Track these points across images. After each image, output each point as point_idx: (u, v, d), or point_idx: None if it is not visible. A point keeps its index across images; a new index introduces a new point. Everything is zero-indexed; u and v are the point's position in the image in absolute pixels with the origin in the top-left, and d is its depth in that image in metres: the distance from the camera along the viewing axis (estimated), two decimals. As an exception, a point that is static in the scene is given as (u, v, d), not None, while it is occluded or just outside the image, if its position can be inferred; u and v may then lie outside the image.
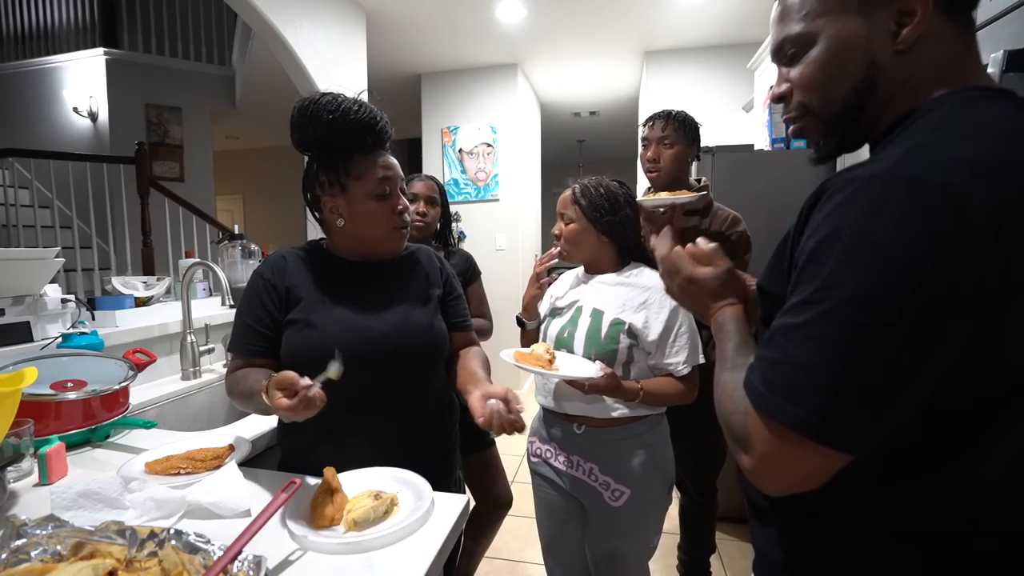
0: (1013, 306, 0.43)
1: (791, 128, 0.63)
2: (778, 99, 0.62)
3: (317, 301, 0.97)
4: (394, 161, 1.01)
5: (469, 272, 1.82)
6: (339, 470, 0.84)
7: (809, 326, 0.47)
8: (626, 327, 1.18)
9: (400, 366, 0.98)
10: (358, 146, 0.96)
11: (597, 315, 1.22)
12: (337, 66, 2.91)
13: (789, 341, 0.48)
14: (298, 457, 0.99)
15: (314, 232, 2.86)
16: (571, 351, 1.22)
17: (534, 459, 1.35)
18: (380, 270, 1.05)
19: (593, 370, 1.11)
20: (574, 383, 1.14)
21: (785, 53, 0.58)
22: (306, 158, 1.03)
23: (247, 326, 0.97)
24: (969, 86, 0.51)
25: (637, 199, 1.43)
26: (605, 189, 1.27)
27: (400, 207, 1.00)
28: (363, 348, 0.93)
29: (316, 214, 1.02)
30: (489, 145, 4.14)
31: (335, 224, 0.99)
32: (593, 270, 1.33)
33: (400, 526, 0.73)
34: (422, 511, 0.76)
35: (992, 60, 1.02)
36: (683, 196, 1.37)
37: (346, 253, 1.03)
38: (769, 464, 0.50)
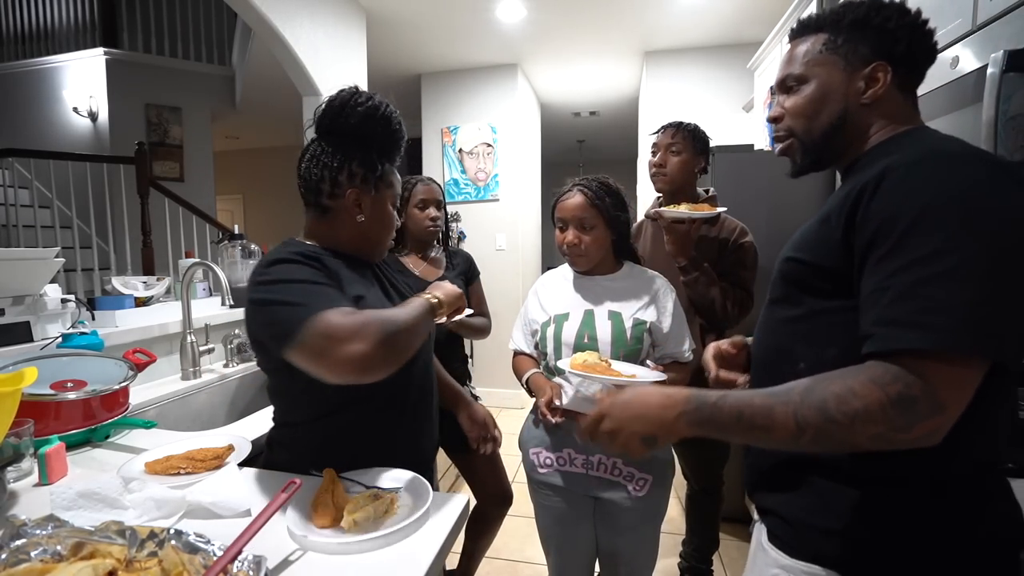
0: None
1: (777, 147, 0.81)
2: (773, 120, 0.81)
3: (367, 295, 0.93)
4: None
5: (469, 272, 1.83)
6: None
7: (952, 274, 0.55)
8: (648, 326, 1.21)
9: (429, 360, 1.08)
10: (389, 153, 0.99)
11: (616, 316, 1.22)
12: (337, 66, 2.91)
13: (942, 288, 0.55)
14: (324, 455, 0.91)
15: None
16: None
17: (542, 470, 1.29)
18: (379, 269, 1.07)
19: (652, 372, 1.12)
20: None
21: (786, 86, 0.78)
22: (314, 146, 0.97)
23: (325, 285, 0.84)
24: (911, 128, 0.72)
25: (658, 209, 1.46)
26: (613, 187, 1.25)
27: (398, 223, 1.06)
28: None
29: (326, 200, 0.94)
30: (489, 145, 4.13)
31: (352, 217, 0.95)
32: (595, 271, 1.31)
33: (400, 526, 0.73)
34: (421, 511, 0.76)
35: (992, 60, 1.02)
36: (703, 212, 1.42)
37: (343, 248, 0.97)
38: (958, 404, 0.55)
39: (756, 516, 0.80)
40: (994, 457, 0.66)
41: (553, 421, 1.18)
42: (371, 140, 0.95)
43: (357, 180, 0.94)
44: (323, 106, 0.95)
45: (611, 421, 0.70)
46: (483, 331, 1.79)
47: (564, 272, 1.37)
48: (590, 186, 1.23)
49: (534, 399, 1.31)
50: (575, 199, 1.23)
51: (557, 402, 1.20)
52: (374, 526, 0.74)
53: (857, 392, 0.56)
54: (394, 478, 0.87)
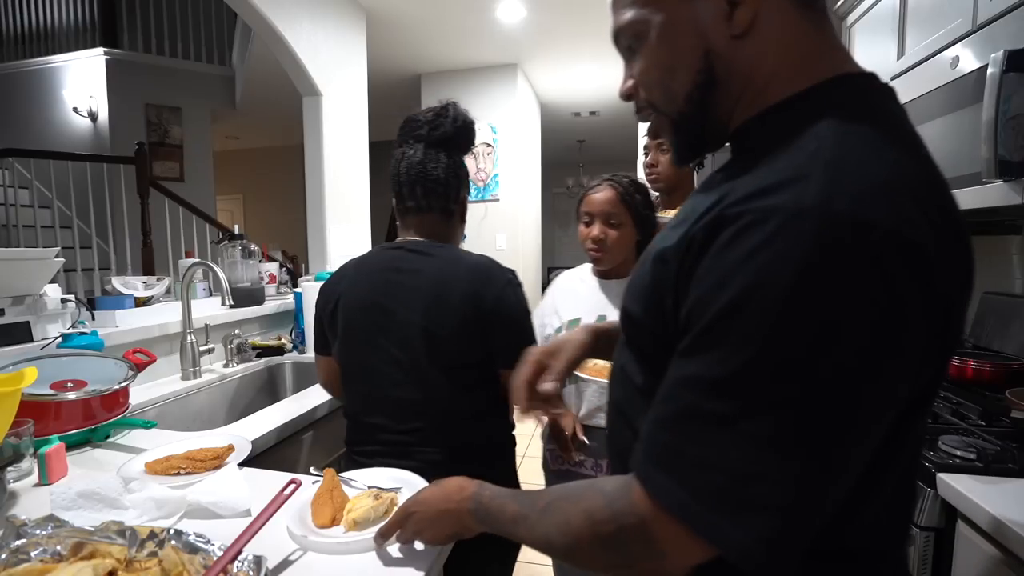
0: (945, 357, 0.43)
1: (648, 127, 0.57)
2: (626, 97, 0.55)
3: None
4: None
5: None
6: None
7: (747, 421, 0.37)
8: None
9: None
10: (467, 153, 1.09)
11: None
12: (337, 66, 2.91)
13: (717, 438, 0.38)
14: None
15: (314, 233, 2.87)
16: None
17: (567, 466, 1.27)
18: None
19: None
20: None
21: (622, 45, 0.52)
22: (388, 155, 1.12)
23: None
24: (834, 76, 0.45)
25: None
26: (643, 186, 1.22)
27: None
28: None
29: (452, 204, 1.05)
30: (489, 145, 4.13)
31: (462, 221, 1.09)
32: (613, 274, 1.27)
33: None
34: None
35: (992, 60, 1.02)
36: None
37: None
38: (683, 559, 0.42)
39: None
40: (882, 544, 0.47)
41: (576, 460, 1.19)
42: (466, 149, 1.07)
43: (466, 188, 1.07)
44: (441, 118, 1.02)
45: (414, 523, 0.66)
46: None
47: (582, 274, 1.34)
48: (621, 182, 1.20)
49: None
50: (605, 193, 1.20)
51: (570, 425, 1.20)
52: (374, 526, 0.73)
53: (571, 524, 0.47)
54: (394, 478, 0.86)
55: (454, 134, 1.02)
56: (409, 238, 1.03)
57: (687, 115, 0.50)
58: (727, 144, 0.53)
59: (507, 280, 0.98)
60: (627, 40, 0.51)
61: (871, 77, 0.46)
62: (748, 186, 0.40)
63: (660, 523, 0.42)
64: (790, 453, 0.37)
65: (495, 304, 0.94)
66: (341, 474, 0.84)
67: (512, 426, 1.07)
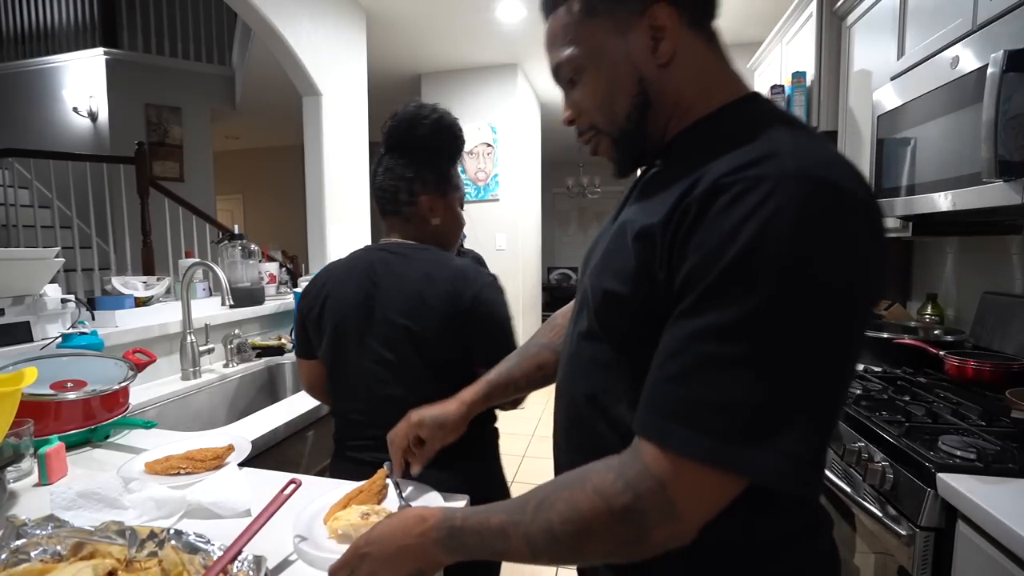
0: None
1: (588, 148, 0.64)
2: (569, 123, 0.64)
3: None
4: None
5: None
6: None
7: (766, 356, 0.42)
8: None
9: None
10: (454, 158, 1.10)
11: None
12: (337, 66, 2.91)
13: (740, 376, 0.42)
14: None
15: (314, 233, 2.87)
16: None
17: None
18: None
19: None
20: None
21: (563, 77, 0.61)
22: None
23: None
24: (744, 94, 0.56)
25: None
26: None
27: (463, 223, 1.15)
28: None
29: (405, 208, 1.05)
30: (489, 145, 4.14)
31: (428, 221, 1.06)
32: None
33: None
34: None
35: (992, 60, 1.02)
36: None
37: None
38: (699, 518, 0.45)
39: None
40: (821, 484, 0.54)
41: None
42: (441, 150, 1.06)
43: (429, 187, 1.04)
44: (391, 123, 1.04)
45: (367, 566, 0.58)
46: None
47: None
48: None
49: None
50: None
51: None
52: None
53: (581, 508, 0.47)
54: (425, 503, 0.81)
55: (399, 136, 1.04)
56: (392, 240, 1.06)
57: (627, 132, 0.59)
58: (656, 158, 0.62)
59: (487, 282, 1.00)
60: (568, 73, 0.59)
61: (761, 95, 0.58)
62: (727, 165, 0.46)
63: (680, 479, 0.44)
64: (806, 379, 0.42)
65: (472, 302, 0.96)
66: (400, 478, 0.83)
67: (494, 421, 1.07)
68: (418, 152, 1.04)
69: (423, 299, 0.96)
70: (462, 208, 1.13)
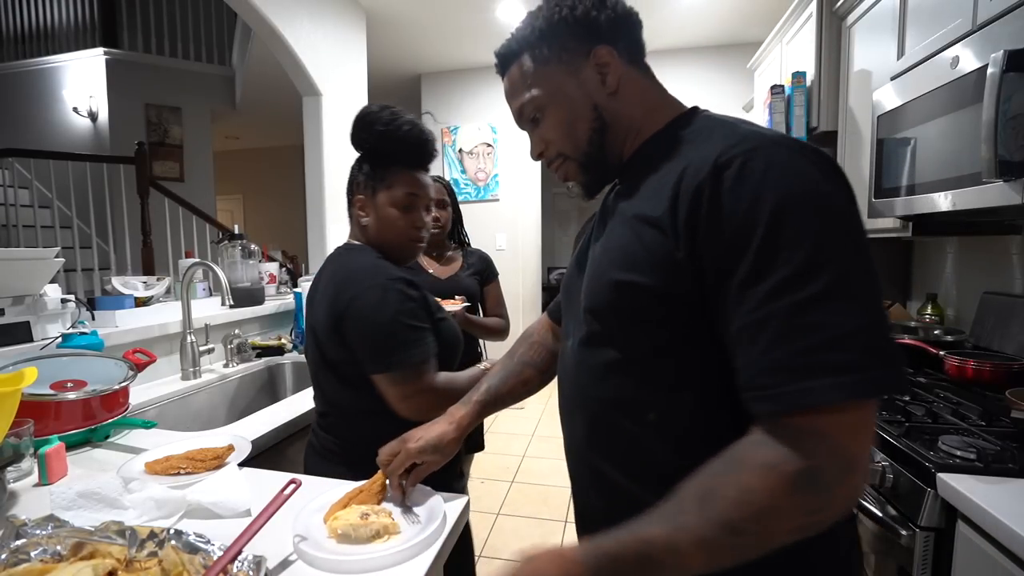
0: None
1: (557, 175, 0.72)
2: (538, 157, 0.72)
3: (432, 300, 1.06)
4: (429, 182, 1.08)
5: (487, 272, 1.84)
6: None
7: (836, 292, 0.45)
8: None
9: None
10: (401, 160, 1.04)
11: None
12: (337, 66, 2.91)
13: (830, 311, 0.45)
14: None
15: (314, 233, 2.87)
16: None
17: None
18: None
19: None
20: None
21: (527, 118, 0.70)
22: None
23: (424, 330, 0.98)
24: (684, 110, 0.66)
25: None
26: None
27: (419, 224, 1.06)
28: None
29: (349, 208, 1.08)
30: (489, 145, 4.14)
31: (360, 220, 1.06)
32: None
33: (392, 551, 0.68)
34: (415, 542, 0.70)
35: (992, 60, 1.02)
36: None
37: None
38: (866, 452, 0.47)
39: None
40: None
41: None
42: (388, 154, 1.03)
43: (361, 187, 1.05)
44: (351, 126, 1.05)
45: None
46: (500, 332, 1.78)
47: None
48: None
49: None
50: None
51: None
52: (354, 544, 0.70)
53: (756, 488, 0.45)
54: (429, 507, 0.80)
55: (352, 136, 1.05)
56: (346, 241, 1.11)
57: (590, 155, 0.67)
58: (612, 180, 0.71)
59: (371, 284, 0.95)
60: (531, 113, 0.69)
61: (700, 108, 0.67)
62: (713, 149, 0.53)
63: (840, 428, 0.45)
64: (870, 285, 0.47)
65: (347, 305, 0.94)
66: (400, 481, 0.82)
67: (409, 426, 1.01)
68: (363, 154, 1.06)
69: (321, 301, 1.00)
70: (405, 209, 1.03)
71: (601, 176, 0.70)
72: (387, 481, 0.83)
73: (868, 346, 0.45)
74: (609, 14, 0.65)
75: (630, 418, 0.59)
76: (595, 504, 0.67)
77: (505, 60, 0.70)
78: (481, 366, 1.07)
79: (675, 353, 0.56)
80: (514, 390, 0.89)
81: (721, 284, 0.50)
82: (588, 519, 0.70)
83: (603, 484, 0.64)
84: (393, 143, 1.02)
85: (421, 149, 1.04)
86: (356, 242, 1.07)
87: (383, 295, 0.95)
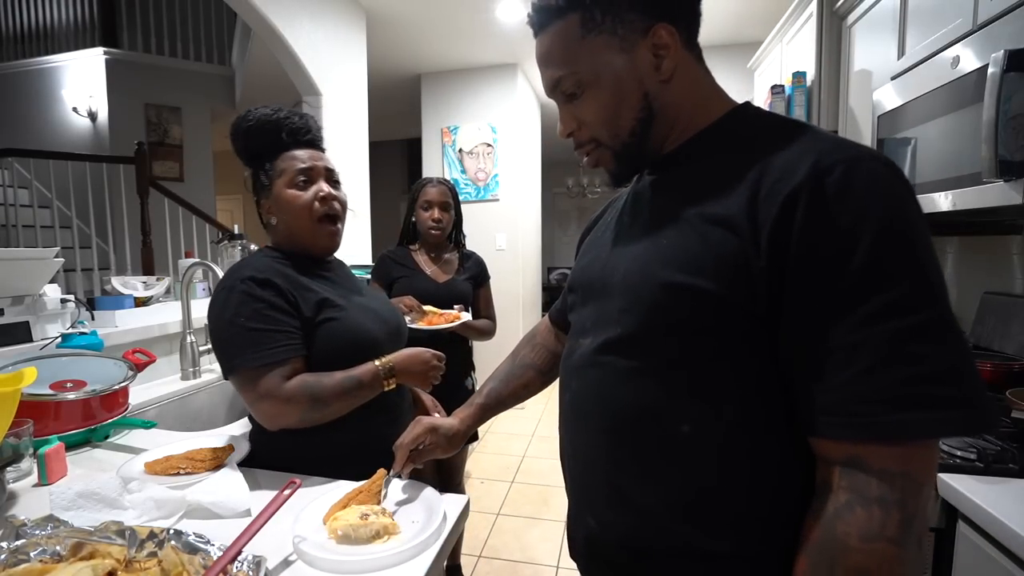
0: None
1: (586, 160, 0.65)
2: (568, 135, 0.64)
3: (332, 296, 0.99)
4: (317, 153, 1.03)
5: (480, 275, 1.87)
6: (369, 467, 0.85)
7: (938, 324, 0.44)
8: None
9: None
10: (280, 146, 1.01)
11: None
12: (337, 66, 2.91)
13: (930, 343, 0.44)
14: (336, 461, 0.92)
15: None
16: None
17: None
18: (330, 266, 1.07)
19: None
20: None
21: (563, 92, 0.61)
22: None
23: (269, 332, 0.90)
24: (735, 106, 0.61)
25: None
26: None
27: (320, 193, 0.98)
28: (394, 336, 1.03)
29: (262, 221, 1.05)
30: (489, 145, 4.13)
31: (272, 224, 1.02)
32: None
33: (392, 551, 0.68)
34: (415, 542, 0.70)
35: (992, 60, 1.02)
36: None
37: (294, 251, 1.02)
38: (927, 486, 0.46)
39: None
40: None
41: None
42: (259, 145, 1.01)
43: (261, 191, 1.02)
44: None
45: None
46: (486, 333, 1.81)
47: None
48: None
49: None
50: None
51: None
52: (354, 544, 0.70)
53: (871, 568, 0.44)
54: (428, 507, 0.80)
55: (238, 154, 1.04)
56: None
57: (630, 146, 0.61)
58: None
59: (221, 287, 0.94)
60: (570, 87, 0.60)
61: (751, 103, 0.62)
62: (801, 152, 0.50)
63: (921, 463, 0.45)
64: (959, 328, 0.46)
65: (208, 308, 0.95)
66: (396, 478, 0.82)
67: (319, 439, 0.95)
68: (249, 160, 1.03)
69: None
70: (301, 186, 0.99)
71: (635, 167, 0.65)
72: (387, 473, 0.83)
73: (967, 382, 0.44)
74: None
75: (661, 427, 0.55)
76: (612, 523, 0.61)
77: (545, 15, 0.59)
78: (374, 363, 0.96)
79: (722, 363, 0.52)
80: (516, 392, 0.89)
81: (806, 296, 0.47)
82: (599, 543, 0.63)
83: (623, 502, 0.59)
84: (263, 134, 0.99)
85: (290, 126, 1.01)
86: (268, 246, 1.05)
87: (226, 297, 0.91)
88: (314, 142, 1.05)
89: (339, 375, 0.91)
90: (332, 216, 1.01)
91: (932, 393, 0.43)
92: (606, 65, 0.57)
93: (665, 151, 0.61)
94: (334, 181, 1.03)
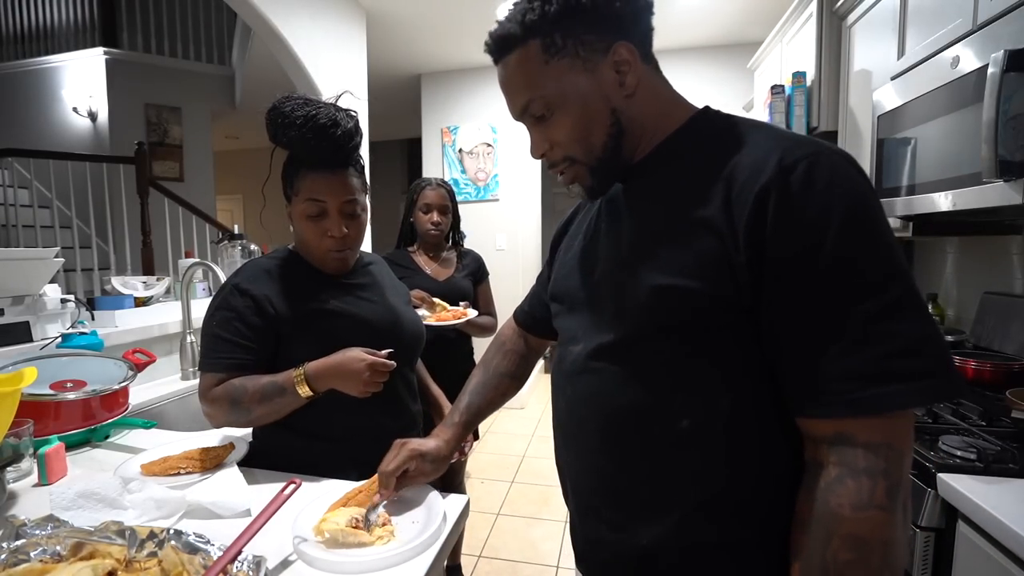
0: None
1: (561, 178, 0.66)
2: (540, 156, 0.66)
3: (333, 304, 0.99)
4: (339, 180, 0.96)
5: (479, 272, 1.90)
6: (361, 466, 0.85)
7: (906, 302, 0.47)
8: None
9: (411, 357, 1.09)
10: (304, 161, 0.96)
11: None
12: (337, 66, 2.91)
13: (904, 319, 0.47)
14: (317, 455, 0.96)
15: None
16: None
17: None
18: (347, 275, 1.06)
19: None
20: None
21: (532, 115, 0.63)
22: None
23: (226, 341, 0.93)
24: (696, 111, 0.64)
25: None
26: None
27: (331, 232, 0.96)
28: (389, 343, 0.98)
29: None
30: (489, 145, 4.13)
31: (296, 229, 1.02)
32: None
33: (392, 552, 0.68)
34: (415, 542, 0.70)
35: (992, 60, 1.02)
36: None
37: (308, 258, 1.03)
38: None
39: None
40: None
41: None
42: (296, 157, 0.97)
43: (287, 187, 1.01)
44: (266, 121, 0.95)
45: None
46: (489, 329, 1.83)
47: None
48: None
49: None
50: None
51: None
52: (341, 547, 0.69)
53: (864, 535, 0.47)
54: (428, 507, 0.80)
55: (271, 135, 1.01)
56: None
57: (604, 160, 0.62)
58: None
59: (218, 289, 0.99)
60: (539, 110, 0.62)
61: (710, 107, 0.64)
62: (765, 150, 0.53)
63: (901, 432, 0.48)
64: (924, 303, 0.49)
65: None
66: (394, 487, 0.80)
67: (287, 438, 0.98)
68: (290, 156, 0.99)
69: None
70: (314, 218, 0.97)
71: (611, 180, 0.66)
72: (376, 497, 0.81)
73: (937, 353, 0.47)
74: (632, 5, 0.59)
75: (660, 425, 0.56)
76: (620, 526, 0.61)
77: (504, 44, 0.61)
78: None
79: (714, 357, 0.55)
80: (493, 402, 0.90)
81: (784, 288, 0.50)
82: (606, 549, 0.64)
83: (629, 504, 0.60)
84: (294, 143, 0.92)
85: (319, 142, 0.91)
86: (289, 246, 1.06)
87: (216, 299, 0.98)
88: (347, 161, 0.98)
89: (264, 379, 0.92)
90: (336, 249, 0.99)
91: (907, 366, 0.46)
92: (572, 86, 0.59)
93: (636, 159, 0.64)
94: (350, 214, 0.98)
